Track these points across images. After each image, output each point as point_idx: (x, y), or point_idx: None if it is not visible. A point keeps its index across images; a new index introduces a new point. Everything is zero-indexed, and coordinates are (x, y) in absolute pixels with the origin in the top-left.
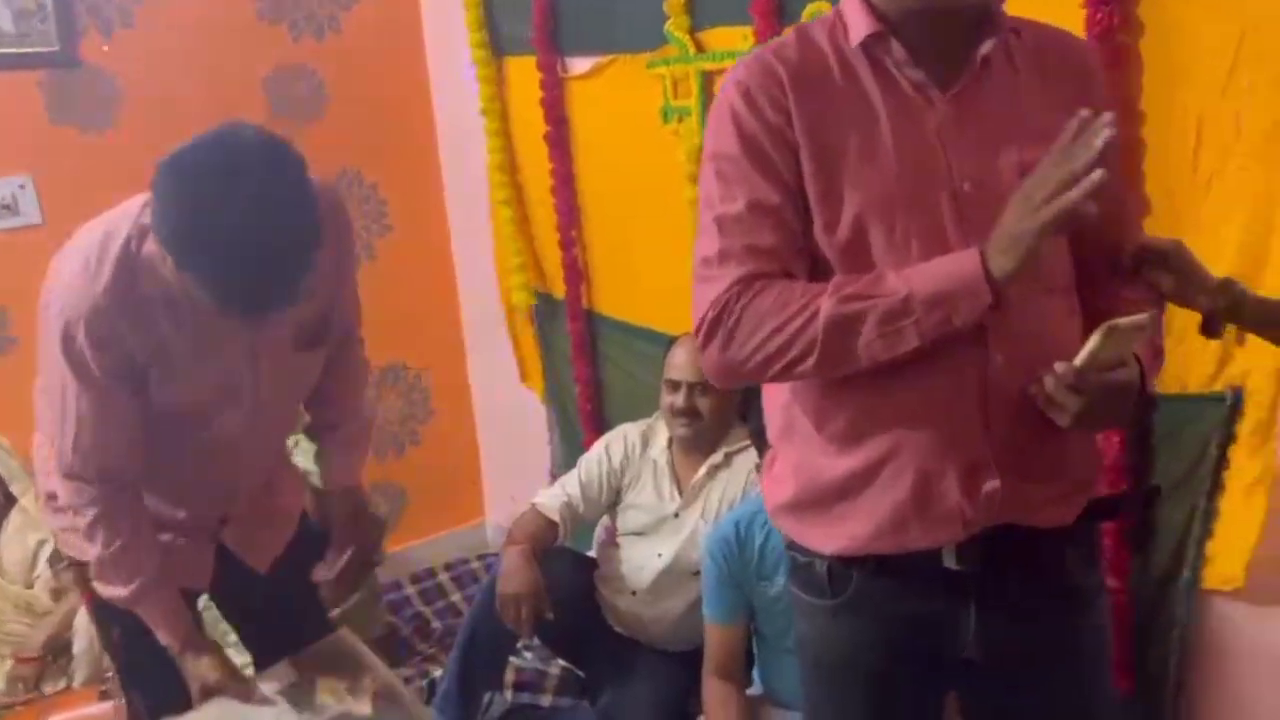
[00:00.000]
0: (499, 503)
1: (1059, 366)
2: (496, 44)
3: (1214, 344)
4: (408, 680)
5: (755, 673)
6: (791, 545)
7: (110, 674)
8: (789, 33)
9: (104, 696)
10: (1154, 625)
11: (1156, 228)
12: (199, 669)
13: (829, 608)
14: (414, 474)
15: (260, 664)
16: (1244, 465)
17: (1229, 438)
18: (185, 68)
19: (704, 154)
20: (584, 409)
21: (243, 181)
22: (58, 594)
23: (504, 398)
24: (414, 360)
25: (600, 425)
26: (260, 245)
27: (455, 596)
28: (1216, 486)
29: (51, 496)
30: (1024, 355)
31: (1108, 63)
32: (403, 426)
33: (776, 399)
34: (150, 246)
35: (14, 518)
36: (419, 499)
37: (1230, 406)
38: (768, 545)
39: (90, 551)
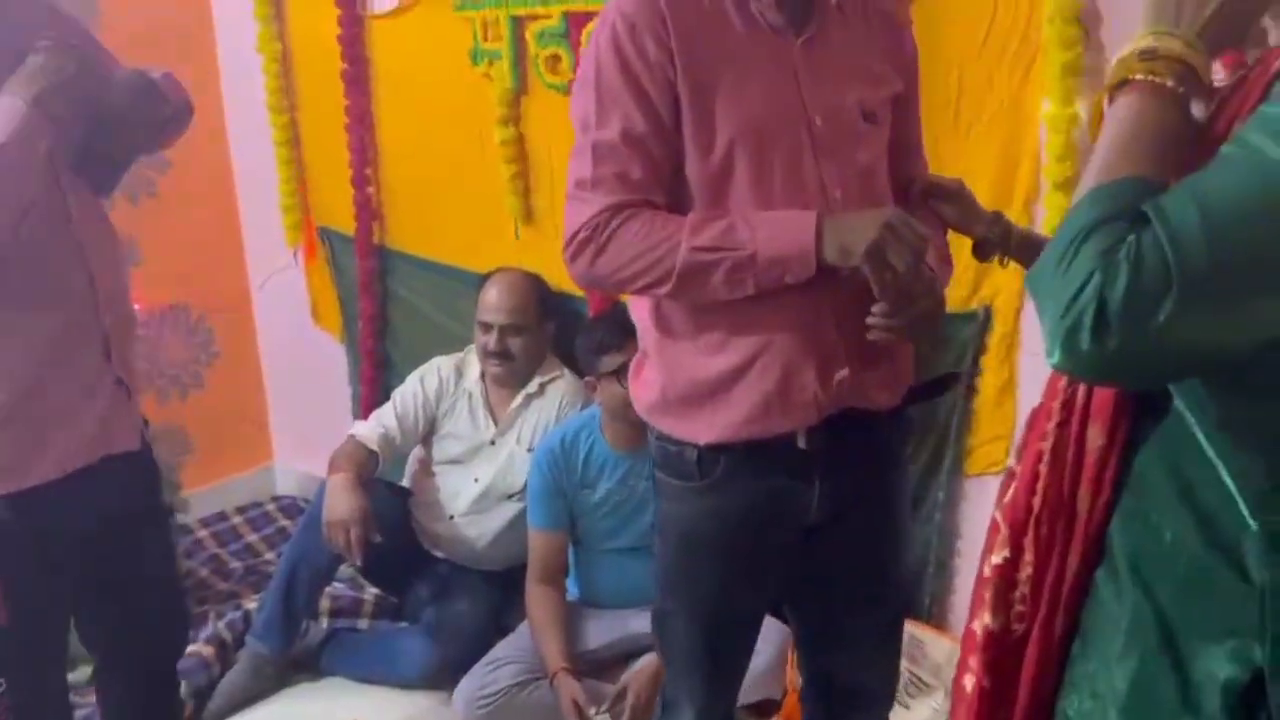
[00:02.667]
0: (288, 446)
1: (871, 319)
2: None
3: (970, 270)
4: (219, 616)
5: (571, 582)
6: (661, 438)
7: None
8: None
9: None
10: (920, 508)
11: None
12: None
13: (697, 488)
14: (197, 418)
15: (107, 661)
16: (995, 370)
17: (981, 348)
18: None
19: (582, 75)
20: (365, 346)
21: None
22: None
23: (295, 339)
24: (197, 301)
25: (389, 360)
26: None
27: (252, 537)
28: (972, 390)
29: None
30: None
31: None
32: (185, 369)
33: (649, 310)
34: None
35: None
36: (203, 444)
37: (981, 321)
38: (591, 455)
39: None
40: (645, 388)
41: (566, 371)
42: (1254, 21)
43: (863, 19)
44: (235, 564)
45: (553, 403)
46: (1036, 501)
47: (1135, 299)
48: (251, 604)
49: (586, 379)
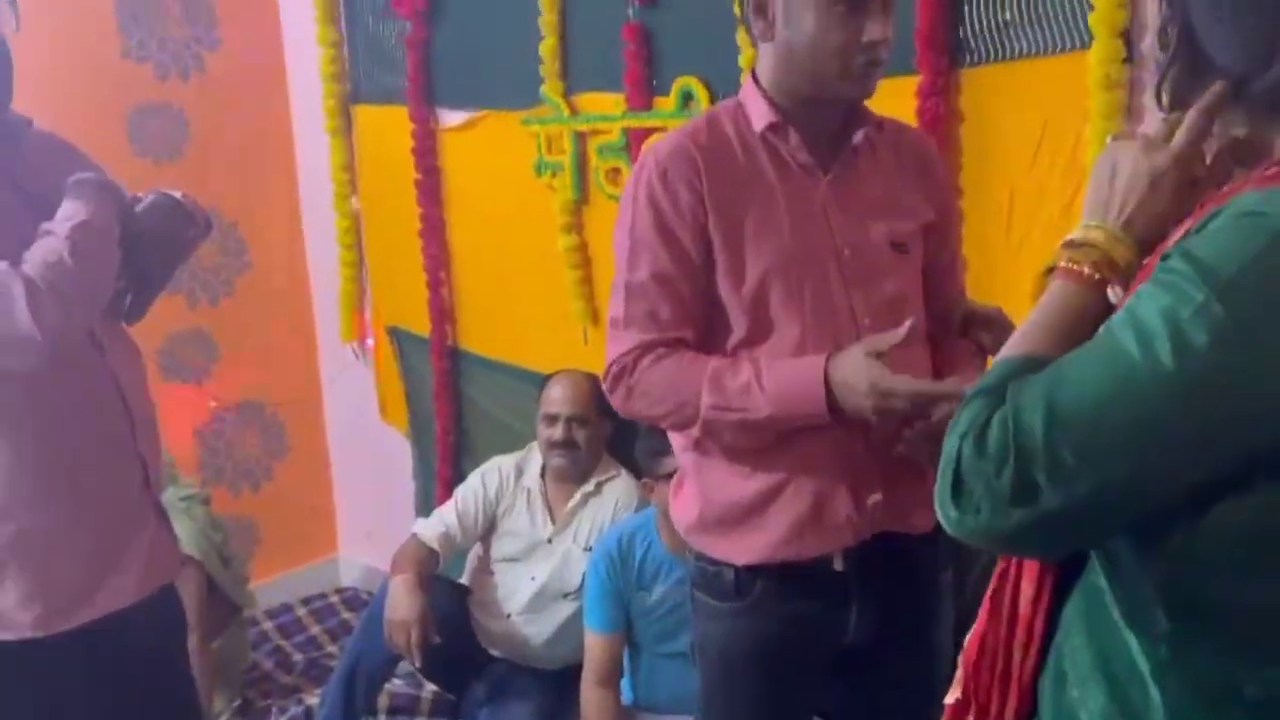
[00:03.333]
0: (353, 539)
1: (907, 433)
2: (355, 92)
3: None
4: (281, 711)
5: (626, 685)
6: (700, 557)
7: None
8: (701, 118)
9: None
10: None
11: (975, 285)
12: None
13: (735, 609)
14: (268, 510)
15: None
16: None
17: None
18: (46, 101)
19: (619, 218)
20: (443, 441)
21: None
22: None
23: (362, 434)
24: (270, 397)
25: (458, 457)
26: None
27: (315, 630)
28: None
29: None
30: None
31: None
32: (258, 463)
33: (686, 435)
34: None
35: None
36: (272, 535)
37: None
38: (647, 557)
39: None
40: (684, 508)
41: (623, 472)
42: (1176, 221)
43: (893, 153)
44: (298, 656)
45: (609, 503)
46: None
47: (978, 472)
48: (313, 699)
49: (644, 480)
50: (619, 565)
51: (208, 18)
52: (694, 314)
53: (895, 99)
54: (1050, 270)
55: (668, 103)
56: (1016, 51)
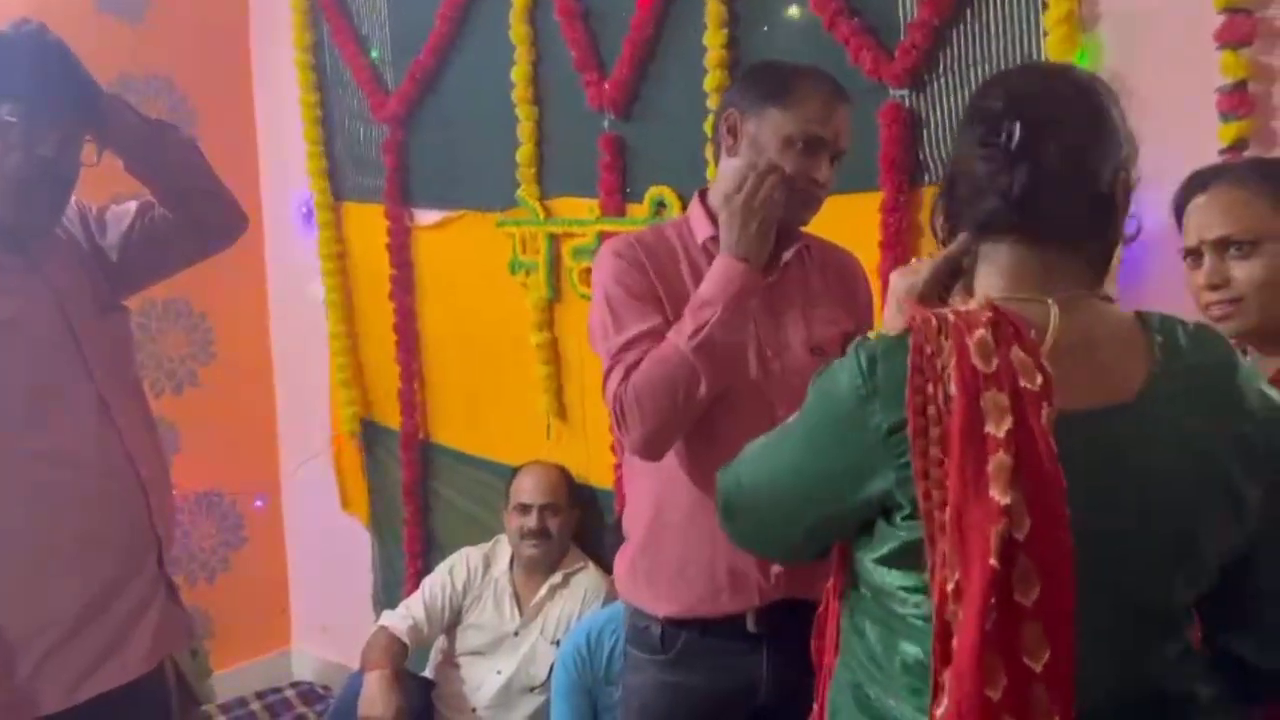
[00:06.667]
0: (307, 631)
1: None
2: (337, 189)
3: None
4: None
5: None
6: (633, 614)
7: None
8: (647, 229)
9: None
10: None
11: None
12: None
13: (660, 661)
14: (223, 602)
15: None
16: None
17: None
18: None
19: (595, 305)
20: (412, 535)
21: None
22: None
23: (321, 526)
24: (230, 487)
25: (426, 549)
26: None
27: None
28: None
29: None
30: None
31: (899, 260)
32: (214, 554)
33: (651, 499)
34: None
35: None
36: (226, 627)
37: None
38: (616, 651)
39: None
40: (621, 562)
41: (590, 564)
42: None
43: (819, 271)
44: None
45: (577, 594)
46: None
47: None
48: None
49: (622, 548)
50: (587, 660)
51: (188, 119)
52: None
53: (860, 212)
54: None
55: (640, 209)
56: None
